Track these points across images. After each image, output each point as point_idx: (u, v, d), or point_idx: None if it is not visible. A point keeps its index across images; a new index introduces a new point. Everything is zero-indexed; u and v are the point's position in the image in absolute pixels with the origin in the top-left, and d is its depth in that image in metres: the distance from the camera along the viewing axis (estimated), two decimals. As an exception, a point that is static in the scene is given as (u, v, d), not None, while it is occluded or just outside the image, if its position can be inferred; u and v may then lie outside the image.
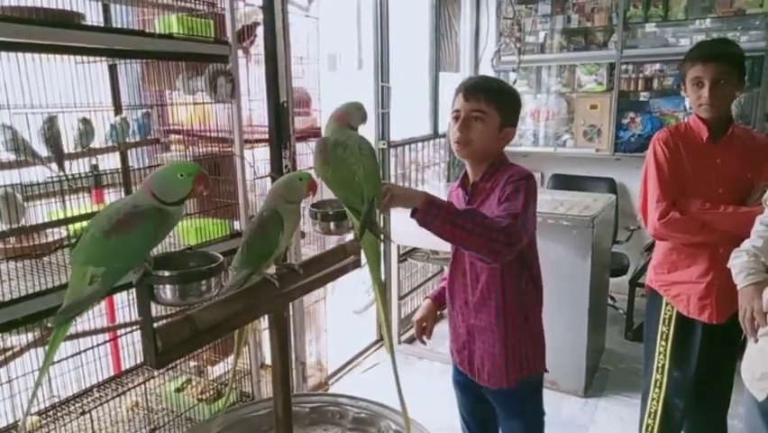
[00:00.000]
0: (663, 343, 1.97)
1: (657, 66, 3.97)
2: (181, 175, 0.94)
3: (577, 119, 4.20)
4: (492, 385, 1.52)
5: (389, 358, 1.25)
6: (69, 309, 0.91)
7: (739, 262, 1.55)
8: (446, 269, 4.12)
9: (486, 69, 4.36)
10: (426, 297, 1.74)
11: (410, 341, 3.62)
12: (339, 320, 3.32)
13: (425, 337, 1.69)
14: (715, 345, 1.90)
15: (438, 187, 3.91)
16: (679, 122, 1.99)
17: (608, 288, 3.35)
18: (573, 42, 4.24)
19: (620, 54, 3.96)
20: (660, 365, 1.98)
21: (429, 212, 1.24)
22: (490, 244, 1.25)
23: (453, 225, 1.24)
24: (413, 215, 1.25)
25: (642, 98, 4.05)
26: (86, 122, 1.76)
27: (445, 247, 3.23)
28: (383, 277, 3.54)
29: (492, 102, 1.43)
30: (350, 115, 1.24)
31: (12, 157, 1.56)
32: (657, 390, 2.00)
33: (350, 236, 1.39)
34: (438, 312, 1.71)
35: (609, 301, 3.51)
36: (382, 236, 1.22)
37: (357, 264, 1.41)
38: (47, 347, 0.96)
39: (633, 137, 3.97)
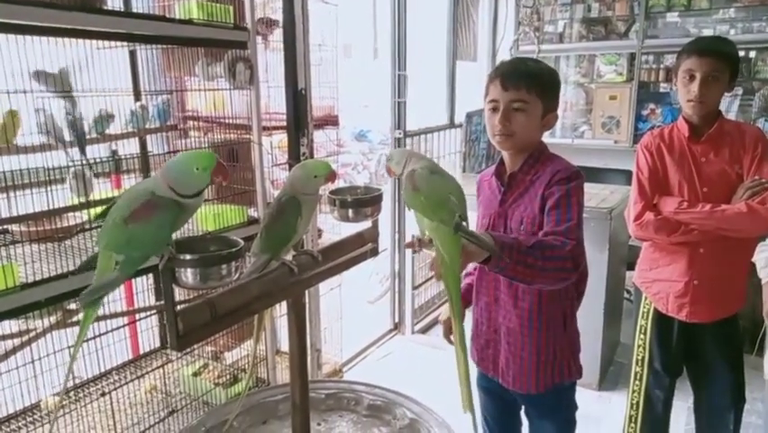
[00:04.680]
0: (642, 336, 1.99)
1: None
2: (197, 169, 0.91)
3: (595, 110, 4.15)
4: (518, 389, 1.46)
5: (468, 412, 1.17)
6: (93, 292, 0.92)
7: (764, 256, 1.53)
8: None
9: (504, 59, 4.31)
10: None
11: (423, 331, 3.63)
12: (353, 309, 3.33)
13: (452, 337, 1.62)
14: (699, 343, 1.90)
15: (454, 177, 3.89)
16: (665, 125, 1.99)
17: (624, 281, 3.32)
18: (593, 32, 4.17)
19: (641, 44, 3.90)
20: (639, 358, 2.01)
21: (502, 257, 1.15)
22: (559, 274, 1.19)
23: (526, 265, 1.16)
24: (483, 262, 1.16)
25: (662, 89, 3.99)
26: (108, 114, 1.78)
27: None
28: (398, 266, 3.54)
29: (534, 90, 1.33)
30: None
31: (43, 140, 1.58)
32: (638, 382, 2.03)
33: (367, 224, 1.38)
34: (466, 310, 1.62)
35: (625, 295, 3.48)
36: (487, 246, 1.11)
37: (375, 252, 1.41)
38: (79, 328, 0.97)
39: (653, 129, 3.92)
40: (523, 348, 1.42)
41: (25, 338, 1.52)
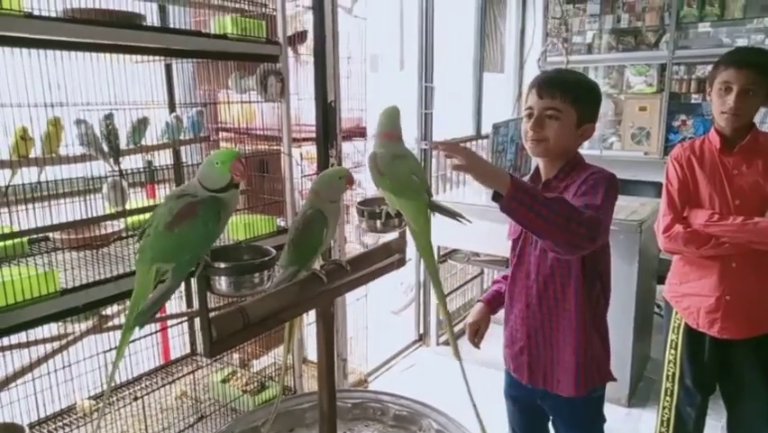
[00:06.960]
0: (673, 351, 1.95)
1: (710, 67, 3.83)
2: (217, 164, 0.96)
3: (625, 121, 4.10)
4: (561, 392, 1.46)
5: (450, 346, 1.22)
6: (149, 310, 0.93)
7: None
8: (486, 271, 4.08)
9: (532, 70, 4.30)
10: (479, 300, 1.67)
11: (448, 343, 3.60)
12: (378, 319, 3.34)
13: (476, 341, 1.64)
14: (732, 360, 1.85)
15: (479, 189, 3.88)
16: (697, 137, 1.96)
17: (654, 295, 3.26)
18: (623, 43, 4.13)
19: (672, 55, 3.84)
20: (670, 374, 1.97)
21: (515, 198, 1.13)
22: (570, 237, 1.17)
23: (538, 214, 1.14)
24: (495, 198, 1.16)
25: (694, 100, 3.92)
26: (140, 121, 1.83)
27: (486, 249, 3.21)
28: (422, 277, 3.54)
29: (568, 98, 1.35)
30: (396, 128, 1.26)
31: (83, 151, 1.64)
32: (668, 398, 1.98)
33: (395, 235, 1.40)
34: (491, 316, 1.64)
35: (656, 309, 3.41)
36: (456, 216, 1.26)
37: (402, 262, 1.42)
38: (118, 347, 0.99)
39: (684, 140, 3.85)
40: (563, 351, 1.43)
41: (63, 342, 1.57)
